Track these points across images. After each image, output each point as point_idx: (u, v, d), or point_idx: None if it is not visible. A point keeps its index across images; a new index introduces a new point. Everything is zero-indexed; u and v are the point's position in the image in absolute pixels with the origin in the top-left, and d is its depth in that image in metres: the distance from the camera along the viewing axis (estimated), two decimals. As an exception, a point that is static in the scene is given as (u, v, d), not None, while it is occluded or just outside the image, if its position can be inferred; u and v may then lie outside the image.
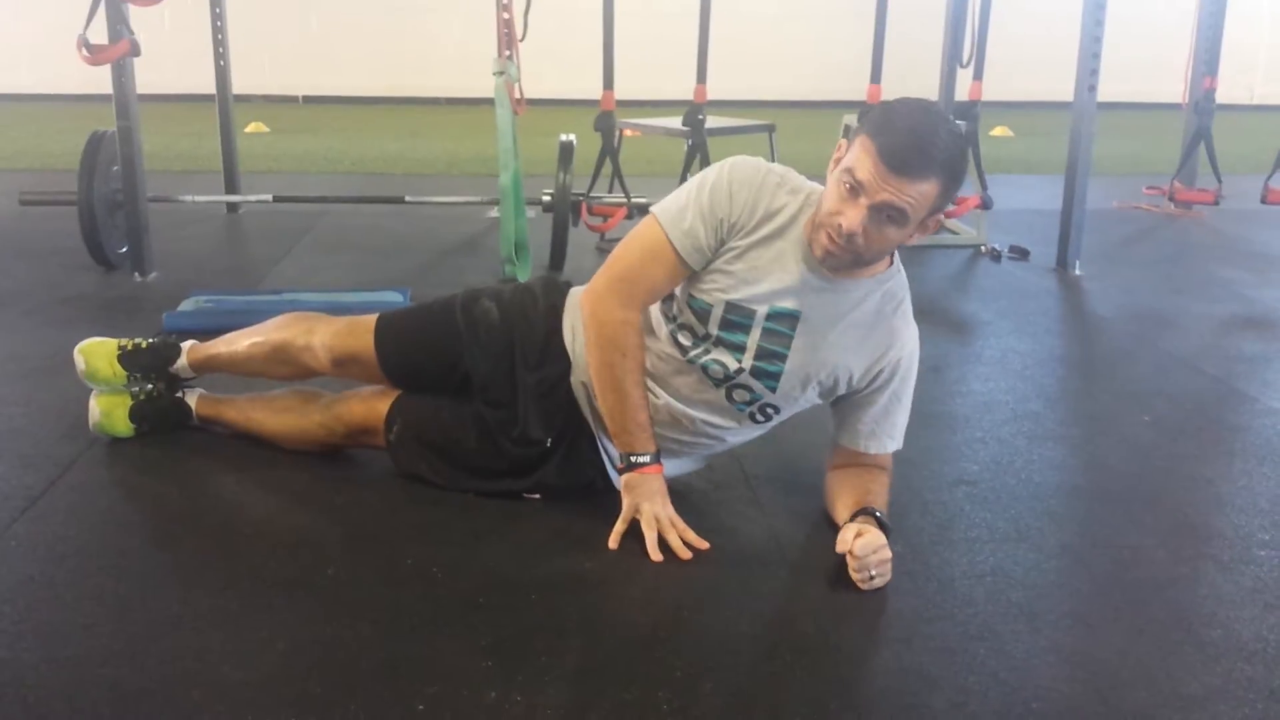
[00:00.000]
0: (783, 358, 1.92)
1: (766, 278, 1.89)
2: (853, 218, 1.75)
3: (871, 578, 1.77)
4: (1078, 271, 4.12)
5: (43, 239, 4.19)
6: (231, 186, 4.78)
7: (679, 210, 1.91)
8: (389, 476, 2.21)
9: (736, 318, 1.91)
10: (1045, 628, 1.71)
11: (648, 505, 1.93)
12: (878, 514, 1.86)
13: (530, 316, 2.12)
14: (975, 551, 1.94)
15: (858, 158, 1.75)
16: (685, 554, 1.89)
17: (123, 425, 2.32)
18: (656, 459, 1.96)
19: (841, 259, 1.83)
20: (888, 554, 1.78)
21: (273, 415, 2.31)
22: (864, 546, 1.76)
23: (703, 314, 1.93)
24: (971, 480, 2.25)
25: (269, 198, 4.37)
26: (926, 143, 1.72)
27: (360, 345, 2.17)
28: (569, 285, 2.18)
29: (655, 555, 1.88)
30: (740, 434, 2.07)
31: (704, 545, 1.91)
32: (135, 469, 2.24)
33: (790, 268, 1.88)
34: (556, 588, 1.79)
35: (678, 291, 1.96)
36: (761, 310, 1.90)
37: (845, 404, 2.01)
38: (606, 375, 1.93)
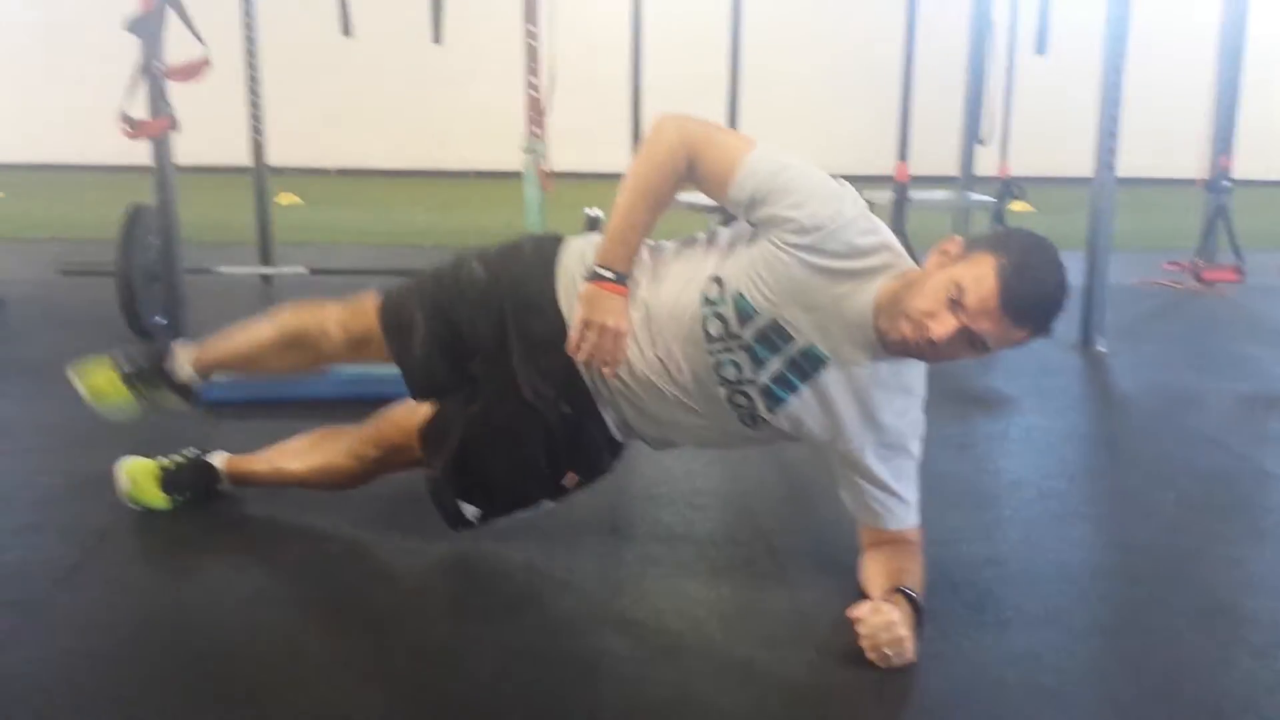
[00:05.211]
0: (795, 390, 1.92)
1: (819, 312, 1.88)
2: (943, 329, 1.74)
3: (886, 655, 1.77)
4: (1101, 348, 4.13)
5: (80, 308, 4.28)
6: (266, 258, 4.88)
7: (781, 163, 1.87)
8: (419, 550, 2.24)
9: (776, 337, 1.89)
10: (1077, 713, 1.70)
11: (599, 318, 1.92)
12: (909, 592, 1.87)
13: (516, 272, 2.10)
14: (1005, 633, 1.94)
15: (976, 278, 1.73)
16: (604, 363, 1.94)
17: (155, 496, 2.35)
18: (623, 282, 1.94)
19: (907, 353, 1.84)
20: (900, 631, 1.77)
21: (299, 458, 2.33)
22: (873, 624, 1.77)
23: (745, 317, 1.89)
24: (1000, 560, 2.26)
25: (304, 270, 4.45)
26: (1052, 305, 1.75)
27: (372, 325, 2.17)
28: (561, 237, 2.15)
29: (572, 351, 1.95)
30: (716, 429, 2.04)
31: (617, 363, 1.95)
32: (168, 541, 2.27)
33: (847, 318, 1.87)
34: (587, 666, 1.80)
35: (727, 277, 1.91)
36: (800, 343, 1.89)
37: (850, 478, 2.01)
38: (634, 181, 1.92)
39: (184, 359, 2.39)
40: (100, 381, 2.37)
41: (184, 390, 2.40)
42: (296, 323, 2.26)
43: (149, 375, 2.39)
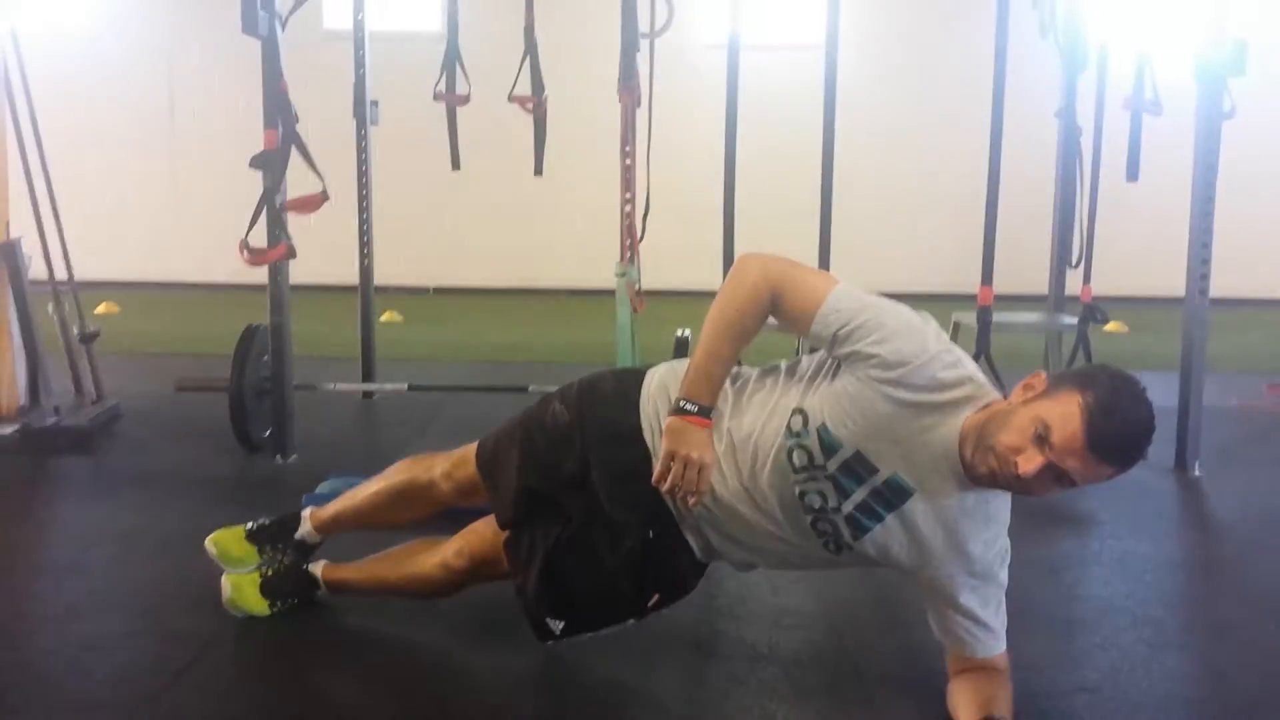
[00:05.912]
0: (880, 519, 1.95)
1: (904, 444, 1.91)
2: (1030, 465, 1.78)
3: None
4: (1197, 473, 4.04)
5: (192, 421, 4.46)
6: (369, 375, 5.05)
7: (863, 301, 1.93)
8: (506, 664, 2.30)
9: (860, 468, 1.93)
10: (1169, 847, 1.67)
11: (684, 450, 1.96)
12: (1001, 722, 1.86)
13: (598, 408, 2.18)
14: (1095, 763, 1.91)
15: (1062, 416, 1.77)
16: (688, 493, 1.97)
17: (255, 602, 2.45)
18: (707, 415, 1.99)
19: (994, 484, 1.88)
20: None
21: (392, 568, 2.43)
22: None
23: (829, 449, 1.94)
24: (1092, 688, 2.22)
25: (404, 386, 4.61)
26: (1139, 443, 1.79)
27: (474, 472, 2.29)
28: (643, 371, 2.23)
29: (657, 482, 1.99)
30: (800, 554, 2.08)
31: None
32: (268, 649, 2.38)
33: (932, 449, 1.90)
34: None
35: (810, 410, 1.96)
36: (885, 473, 1.93)
37: (937, 605, 2.03)
38: (718, 317, 1.99)
39: (307, 520, 2.53)
40: (228, 540, 2.51)
41: (301, 546, 2.53)
42: (405, 477, 2.41)
43: (269, 532, 2.52)
